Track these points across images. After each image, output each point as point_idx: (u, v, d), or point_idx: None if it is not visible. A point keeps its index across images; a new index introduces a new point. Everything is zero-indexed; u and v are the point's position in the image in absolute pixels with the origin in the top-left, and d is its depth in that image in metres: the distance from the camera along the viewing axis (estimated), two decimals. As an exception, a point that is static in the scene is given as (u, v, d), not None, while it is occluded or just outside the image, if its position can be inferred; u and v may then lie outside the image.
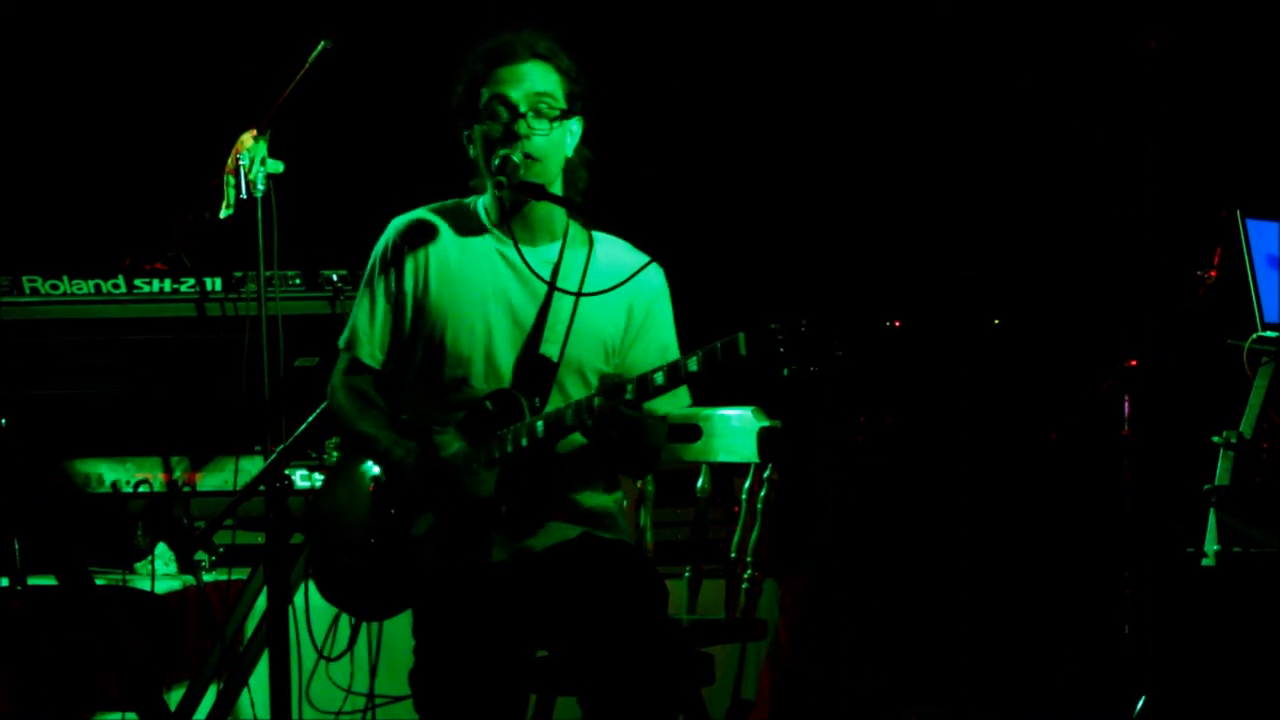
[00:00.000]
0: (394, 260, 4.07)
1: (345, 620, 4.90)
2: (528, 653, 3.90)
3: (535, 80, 3.98)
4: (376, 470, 4.06)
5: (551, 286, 4.00)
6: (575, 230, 4.10)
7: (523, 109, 3.96)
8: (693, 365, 3.66)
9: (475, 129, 4.02)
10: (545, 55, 4.00)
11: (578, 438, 3.96)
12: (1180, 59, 4.73)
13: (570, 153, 4.06)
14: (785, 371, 3.47)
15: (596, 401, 3.77)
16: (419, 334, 4.06)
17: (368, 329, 4.09)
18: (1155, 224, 4.65)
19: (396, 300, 4.07)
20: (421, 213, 4.11)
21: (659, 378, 3.72)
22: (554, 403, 3.97)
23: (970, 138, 6.05)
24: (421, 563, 3.93)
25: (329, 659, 4.77)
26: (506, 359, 4.02)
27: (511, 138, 3.93)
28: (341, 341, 4.13)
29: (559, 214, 4.07)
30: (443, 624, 3.84)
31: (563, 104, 3.98)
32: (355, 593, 4.08)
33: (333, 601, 4.15)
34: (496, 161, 3.94)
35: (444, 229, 4.07)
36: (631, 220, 4.12)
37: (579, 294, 4.00)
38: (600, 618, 3.80)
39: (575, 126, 4.05)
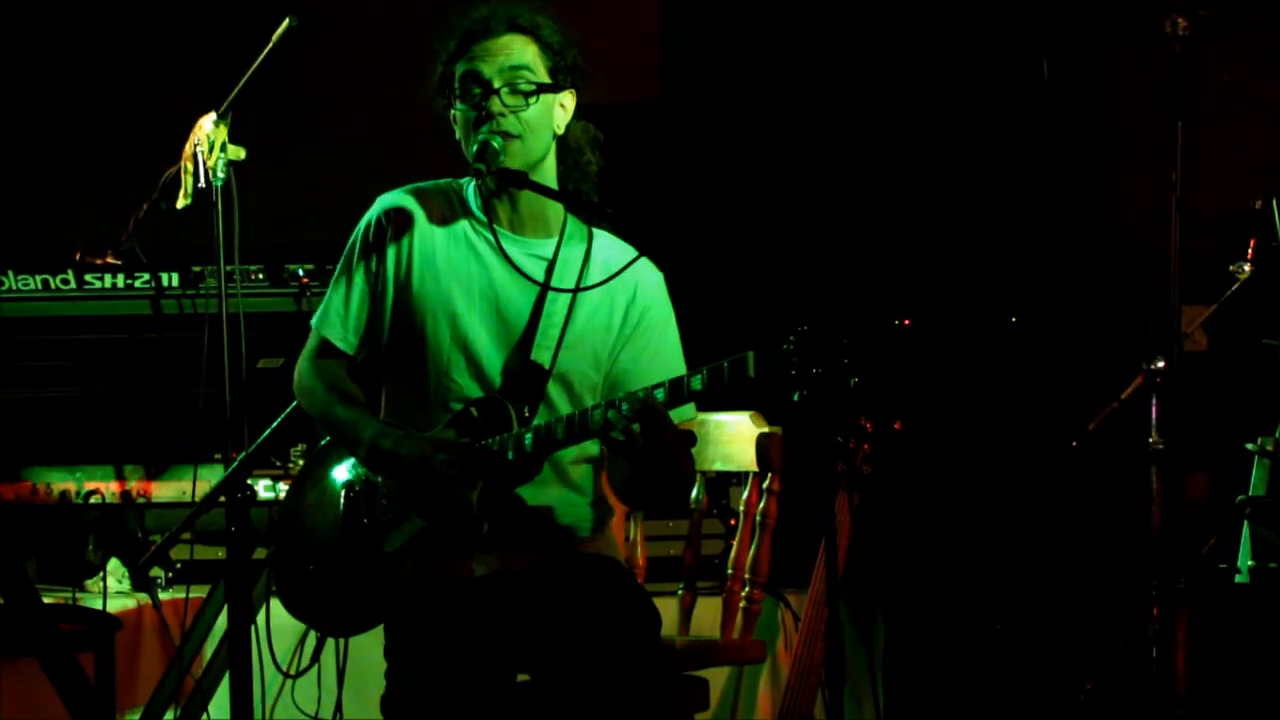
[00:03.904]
0: (376, 241, 3.93)
1: (311, 640, 4.95)
2: (508, 676, 3.82)
3: (511, 54, 3.85)
4: (349, 475, 3.94)
5: (545, 287, 3.88)
6: (573, 226, 3.97)
7: (496, 85, 3.83)
8: (697, 383, 3.55)
9: (454, 110, 3.89)
10: (525, 27, 3.87)
11: (567, 452, 3.84)
12: (1209, 42, 4.61)
13: (560, 129, 3.92)
14: (796, 396, 3.39)
15: (646, 392, 3.60)
16: (399, 325, 3.92)
17: (342, 310, 3.95)
18: (1184, 215, 4.54)
19: (376, 284, 3.93)
20: (409, 192, 3.97)
21: (660, 394, 3.58)
22: (541, 414, 3.85)
23: (990, 124, 6.04)
24: (397, 578, 3.81)
25: (290, 675, 4.77)
26: (493, 362, 3.87)
27: (485, 117, 3.81)
28: (314, 320, 4.01)
29: (554, 204, 3.93)
30: (417, 644, 3.75)
31: (543, 78, 3.86)
32: (321, 605, 3.98)
33: (296, 614, 4.03)
34: (475, 148, 3.81)
35: (432, 212, 3.93)
36: (628, 218, 3.99)
37: (575, 289, 3.88)
38: (586, 641, 3.72)
39: (567, 100, 3.91)
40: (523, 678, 3.89)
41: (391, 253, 3.91)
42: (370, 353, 3.96)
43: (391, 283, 3.91)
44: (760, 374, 3.44)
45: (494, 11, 3.87)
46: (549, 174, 3.90)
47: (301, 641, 5.05)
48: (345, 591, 3.90)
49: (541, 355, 3.85)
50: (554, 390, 3.87)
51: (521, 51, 3.84)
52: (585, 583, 3.82)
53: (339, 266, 3.98)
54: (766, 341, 3.43)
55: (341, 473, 3.96)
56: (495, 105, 3.80)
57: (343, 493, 3.92)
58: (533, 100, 3.82)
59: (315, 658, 4.82)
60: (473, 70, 3.83)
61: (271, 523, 4.65)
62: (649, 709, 3.66)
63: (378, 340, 3.94)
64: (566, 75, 3.88)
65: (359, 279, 3.93)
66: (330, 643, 4.94)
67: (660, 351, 3.92)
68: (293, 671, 4.93)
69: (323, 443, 4.07)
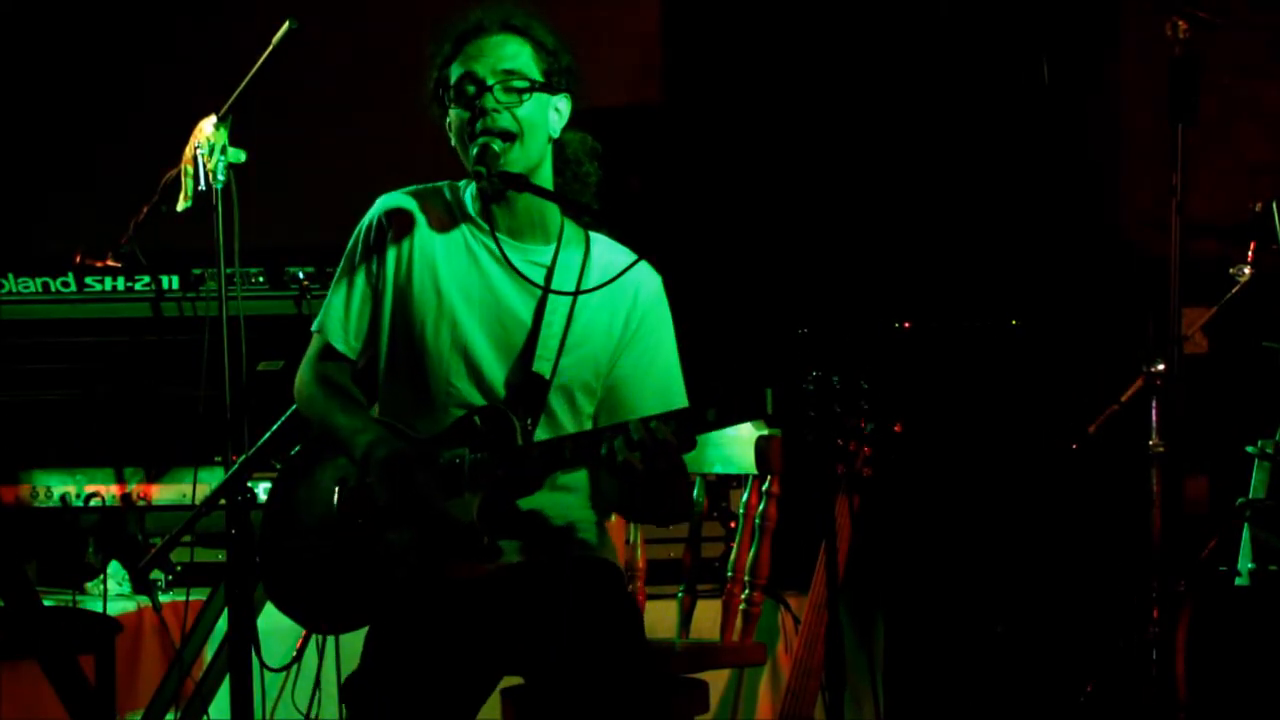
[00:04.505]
0: (377, 242, 3.90)
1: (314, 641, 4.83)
2: (488, 678, 3.78)
3: (504, 53, 3.82)
4: (343, 472, 3.87)
5: (546, 291, 3.84)
6: (571, 230, 3.93)
7: (490, 82, 3.80)
8: (710, 416, 3.52)
9: (450, 114, 3.86)
10: (518, 28, 3.85)
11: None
12: (1209, 45, 4.58)
13: (555, 133, 3.88)
14: (809, 437, 3.39)
15: (652, 425, 3.55)
16: (398, 327, 3.88)
17: (343, 314, 3.91)
18: (1184, 217, 4.50)
19: (376, 286, 3.90)
20: (410, 193, 3.93)
21: (671, 426, 3.54)
22: (542, 425, 3.82)
23: (990, 127, 6.03)
24: (395, 576, 3.76)
25: (273, 669, 4.66)
26: (493, 368, 3.84)
27: (479, 114, 3.78)
28: (315, 325, 3.96)
29: (551, 210, 3.90)
30: (401, 638, 3.71)
31: (536, 77, 3.82)
32: (316, 604, 3.91)
33: (288, 613, 3.98)
34: (475, 151, 3.78)
35: (432, 214, 3.90)
36: (630, 221, 4.00)
37: (576, 292, 3.84)
38: (579, 644, 3.68)
39: (561, 104, 3.88)
40: (514, 680, 3.87)
41: (392, 254, 3.87)
42: (370, 356, 3.92)
43: (391, 283, 3.87)
44: (779, 412, 3.42)
45: (487, 13, 3.85)
46: (545, 181, 3.87)
47: (302, 644, 4.93)
48: (341, 589, 3.84)
49: (542, 365, 3.82)
50: (555, 400, 3.84)
51: (515, 51, 3.82)
52: (573, 585, 3.78)
53: (340, 269, 3.94)
54: (786, 382, 3.40)
55: (335, 470, 3.89)
56: (489, 102, 3.77)
57: (337, 490, 3.86)
58: (526, 97, 3.79)
59: (298, 655, 4.75)
60: (467, 71, 3.80)
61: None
62: (639, 711, 3.62)
63: (377, 342, 3.90)
64: (560, 78, 3.85)
65: (360, 280, 3.89)
66: (320, 639, 4.83)
67: (657, 359, 3.90)
68: (286, 675, 4.85)
69: (294, 451, 4.03)
